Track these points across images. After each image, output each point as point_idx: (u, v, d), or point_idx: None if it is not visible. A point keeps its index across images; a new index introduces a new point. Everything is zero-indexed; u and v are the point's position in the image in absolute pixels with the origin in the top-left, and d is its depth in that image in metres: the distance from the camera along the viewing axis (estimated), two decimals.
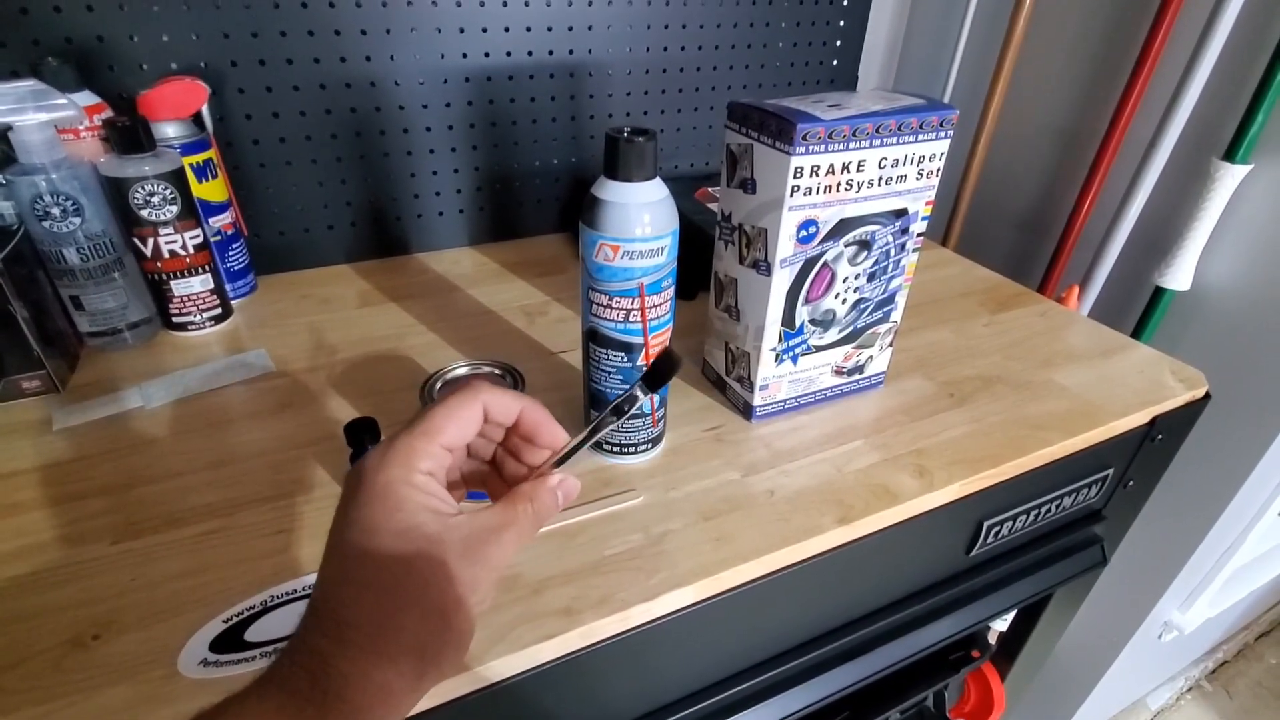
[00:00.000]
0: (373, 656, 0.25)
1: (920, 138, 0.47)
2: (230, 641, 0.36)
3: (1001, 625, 0.82)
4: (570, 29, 0.76)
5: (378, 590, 0.26)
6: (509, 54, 0.74)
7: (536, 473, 0.32)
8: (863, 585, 0.53)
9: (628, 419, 0.35)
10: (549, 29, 0.75)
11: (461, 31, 0.71)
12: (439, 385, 0.46)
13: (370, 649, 0.25)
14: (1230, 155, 0.70)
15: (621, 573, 0.42)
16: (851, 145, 0.45)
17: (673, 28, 0.81)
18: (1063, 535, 0.64)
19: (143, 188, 0.55)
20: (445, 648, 0.27)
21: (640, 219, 0.41)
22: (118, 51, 0.61)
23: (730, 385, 0.57)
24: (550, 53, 0.76)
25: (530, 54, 0.75)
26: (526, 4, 0.72)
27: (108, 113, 0.59)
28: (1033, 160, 0.94)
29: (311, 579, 0.40)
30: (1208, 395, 0.62)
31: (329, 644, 0.25)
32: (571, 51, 0.77)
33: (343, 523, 0.27)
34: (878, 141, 0.45)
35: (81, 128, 0.57)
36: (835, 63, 0.92)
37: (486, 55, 0.73)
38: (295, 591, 0.39)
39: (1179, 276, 0.76)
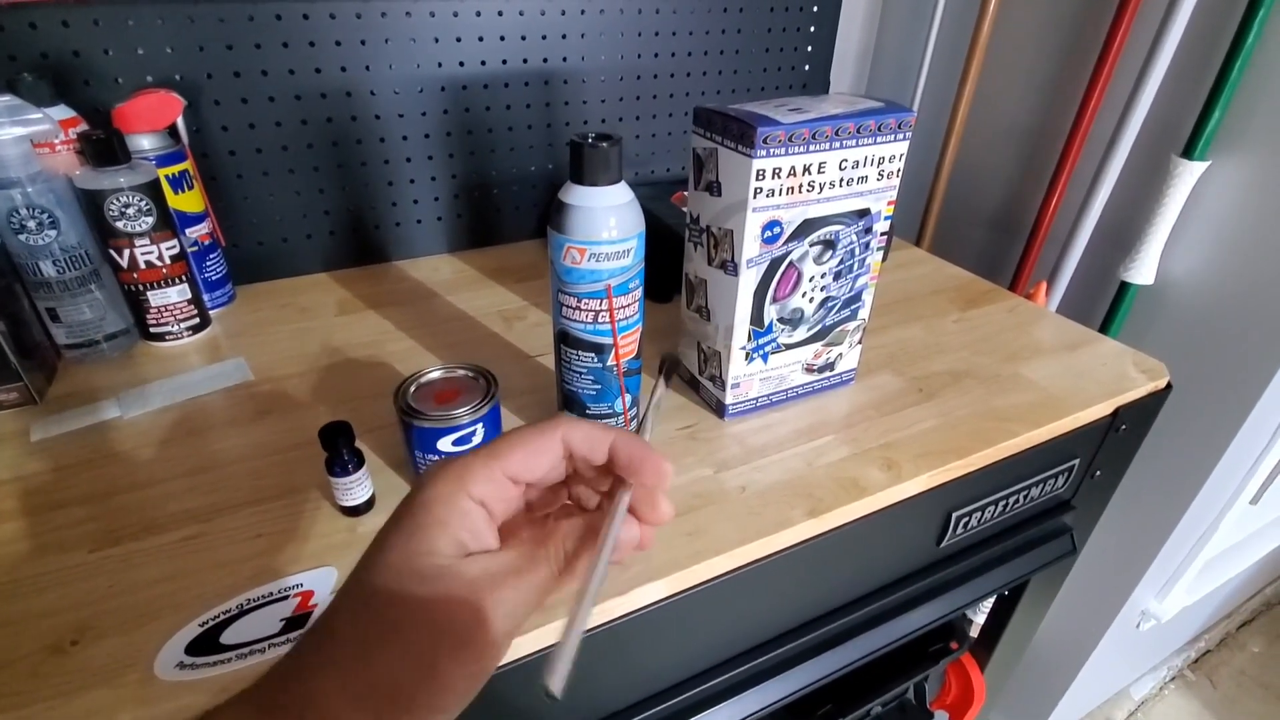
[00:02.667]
0: (345, 682, 0.23)
1: (879, 139, 0.48)
2: (206, 645, 0.37)
3: (980, 617, 0.83)
4: (544, 38, 0.77)
5: (370, 609, 0.23)
6: (484, 63, 0.75)
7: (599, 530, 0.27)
8: (836, 577, 0.54)
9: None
10: (523, 38, 0.76)
11: (436, 41, 0.72)
12: (413, 389, 0.46)
13: (345, 671, 0.23)
14: (1189, 152, 0.72)
15: None
16: (812, 148, 0.46)
17: (646, 36, 0.82)
18: (1032, 526, 0.65)
19: (118, 199, 0.56)
20: (419, 703, 0.23)
21: (606, 222, 0.42)
22: (93, 66, 0.61)
23: (703, 384, 0.58)
24: (525, 61, 0.77)
25: (505, 63, 0.76)
26: (500, 14, 0.74)
27: (83, 126, 0.59)
28: (1000, 160, 0.96)
29: (288, 581, 0.41)
30: (1169, 386, 0.64)
31: (312, 655, 0.24)
32: (546, 60, 0.78)
33: (380, 531, 0.25)
34: (837, 144, 0.47)
35: (57, 141, 0.58)
36: (807, 68, 0.94)
37: (461, 65, 0.74)
38: (271, 595, 0.40)
39: (1143, 271, 0.78)
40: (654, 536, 0.29)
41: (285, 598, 0.40)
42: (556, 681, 0.22)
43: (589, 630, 0.41)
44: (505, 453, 0.26)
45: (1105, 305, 0.84)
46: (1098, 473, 0.66)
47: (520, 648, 0.39)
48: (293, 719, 0.22)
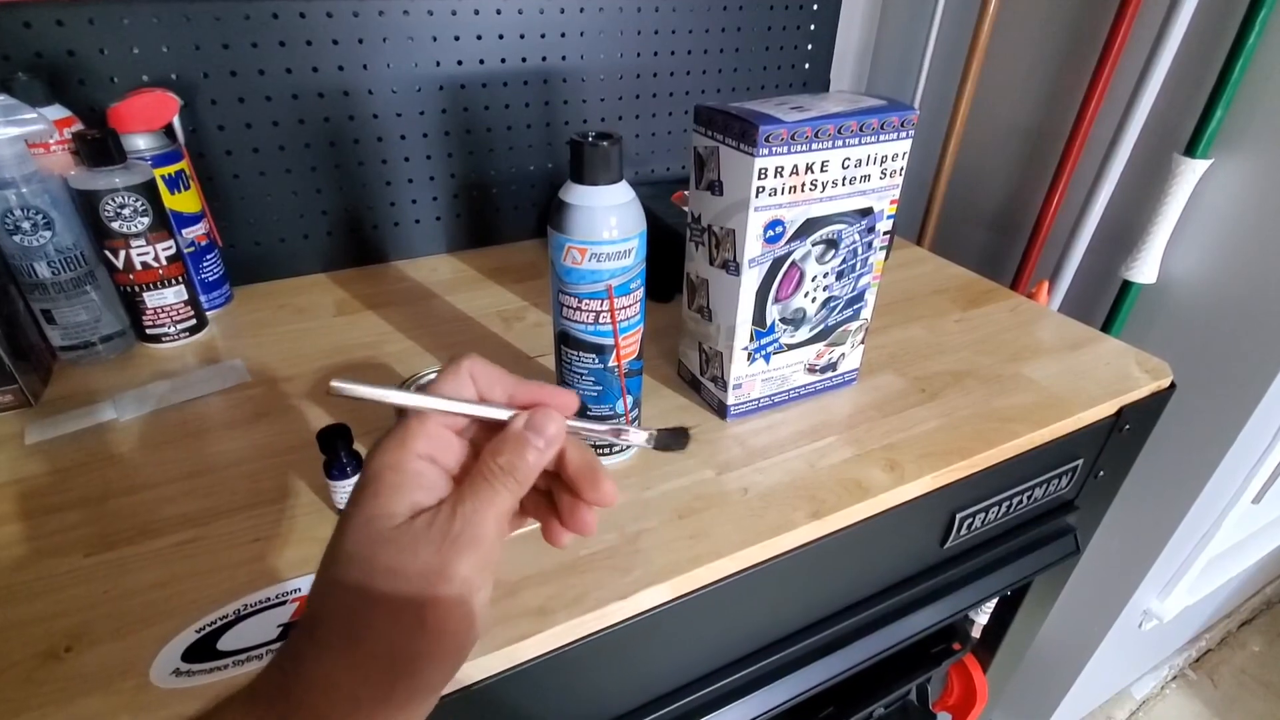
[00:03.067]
0: (342, 659, 0.23)
1: (882, 138, 0.48)
2: (203, 651, 0.36)
3: (982, 617, 0.83)
4: (543, 36, 0.76)
5: (345, 587, 0.24)
6: (482, 61, 0.75)
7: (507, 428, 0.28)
8: (839, 579, 0.54)
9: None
10: (521, 36, 0.75)
11: (434, 40, 0.72)
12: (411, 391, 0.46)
13: (339, 650, 0.23)
14: (1191, 150, 0.72)
15: (597, 572, 0.42)
16: (814, 146, 0.45)
17: (645, 34, 0.82)
18: (1036, 526, 0.65)
19: (113, 200, 0.55)
20: (421, 656, 0.24)
21: (607, 222, 0.41)
22: (88, 65, 0.61)
23: (705, 385, 0.57)
24: (524, 60, 0.77)
25: (504, 61, 0.76)
26: (499, 12, 0.73)
27: (78, 126, 0.59)
28: (1001, 160, 0.96)
29: (287, 586, 0.40)
30: (1173, 385, 0.64)
31: (305, 642, 0.24)
32: (545, 59, 0.78)
33: (342, 514, 0.26)
34: (840, 142, 0.46)
35: (51, 141, 0.57)
36: (807, 66, 0.94)
37: (460, 63, 0.74)
38: (269, 600, 0.39)
39: (1145, 270, 0.78)
40: (595, 521, 0.29)
41: (283, 603, 0.39)
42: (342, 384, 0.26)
43: (588, 636, 0.41)
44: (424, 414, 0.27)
45: (1107, 304, 0.83)
46: (1101, 473, 0.66)
47: (521, 653, 0.39)
48: (297, 705, 0.23)
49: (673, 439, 0.33)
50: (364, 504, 0.25)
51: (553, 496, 0.30)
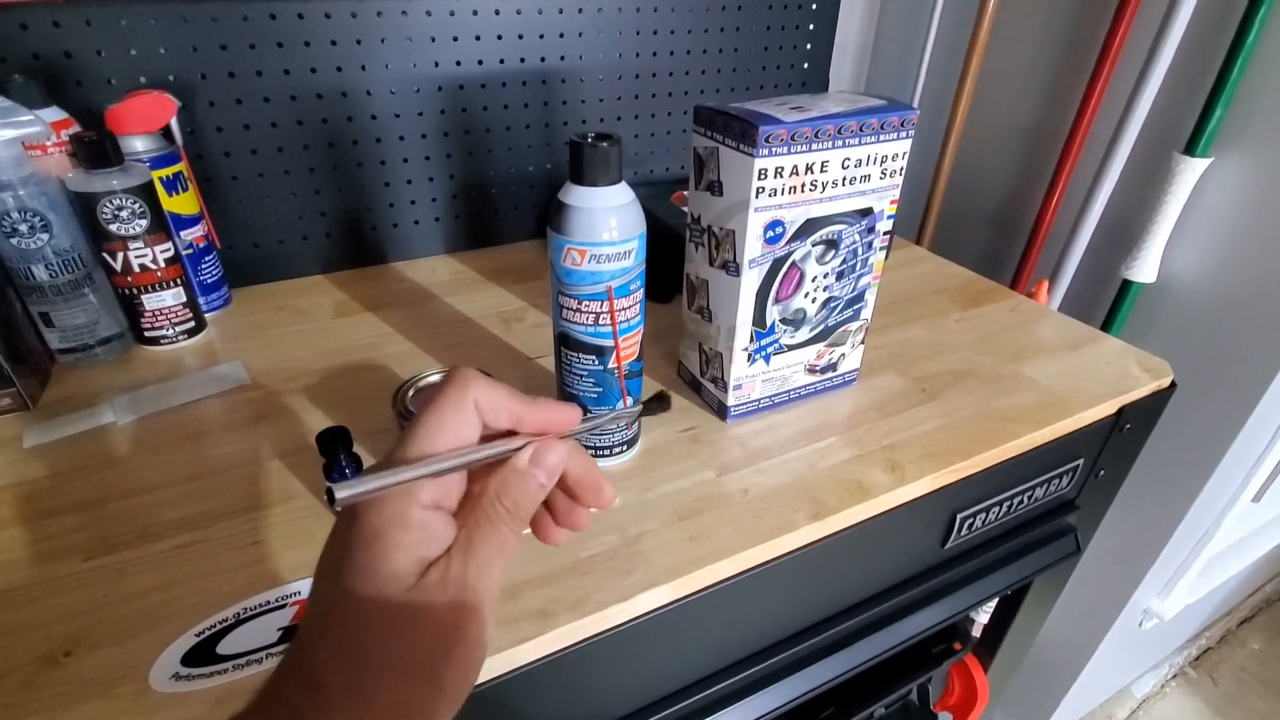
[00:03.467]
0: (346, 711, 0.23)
1: (882, 138, 0.48)
2: (203, 655, 0.36)
3: (983, 617, 0.83)
4: (542, 37, 0.76)
5: (356, 652, 0.23)
6: (480, 62, 0.75)
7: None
8: (840, 580, 0.54)
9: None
10: (520, 37, 0.75)
11: (433, 40, 0.72)
12: (410, 393, 0.46)
13: (348, 715, 0.23)
14: (1190, 149, 0.72)
15: (598, 574, 0.42)
16: (814, 146, 0.45)
17: (644, 34, 0.81)
18: (1036, 526, 0.65)
19: (111, 202, 0.55)
20: (435, 711, 0.24)
21: (606, 223, 0.41)
22: (85, 67, 0.61)
23: (705, 386, 0.57)
24: (522, 60, 0.77)
25: (502, 61, 0.76)
26: (497, 12, 0.73)
27: (75, 128, 0.59)
28: (1001, 159, 0.96)
29: (287, 589, 0.40)
30: (1173, 384, 0.64)
31: (305, 702, 0.23)
32: (544, 59, 0.78)
33: (328, 567, 0.24)
34: (840, 142, 0.46)
35: (49, 143, 0.57)
36: (806, 66, 0.94)
37: (458, 64, 0.74)
38: (269, 603, 0.39)
39: (1145, 269, 0.78)
40: (589, 518, 0.30)
41: (283, 606, 0.39)
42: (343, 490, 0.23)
43: (589, 639, 0.41)
44: (433, 440, 0.25)
45: (1107, 303, 0.83)
46: (1102, 472, 0.66)
47: (522, 655, 0.39)
48: None
49: (657, 404, 0.35)
50: (371, 566, 0.23)
51: (548, 500, 0.29)
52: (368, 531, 0.24)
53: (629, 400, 0.49)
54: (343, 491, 0.23)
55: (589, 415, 0.30)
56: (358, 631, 0.23)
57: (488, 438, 0.27)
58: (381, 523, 0.24)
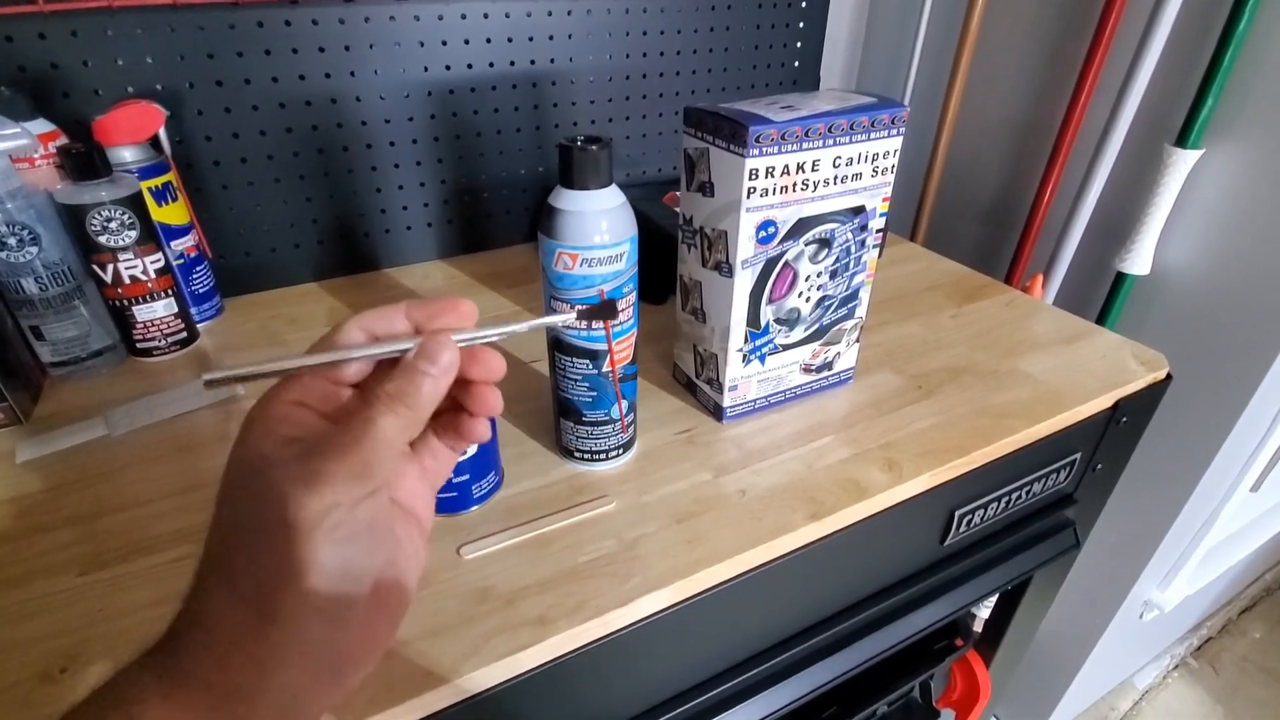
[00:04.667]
0: (219, 592, 0.23)
1: (873, 136, 0.48)
2: None
3: (984, 612, 0.83)
4: (531, 39, 0.76)
5: (219, 521, 0.24)
6: (470, 66, 0.74)
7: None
8: (839, 579, 0.54)
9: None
10: (509, 40, 0.75)
11: (421, 45, 0.71)
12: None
13: (217, 583, 0.23)
14: (1182, 141, 0.72)
15: (596, 579, 0.42)
16: (805, 145, 0.45)
17: (634, 35, 0.81)
18: (1035, 521, 0.65)
19: (100, 213, 0.55)
20: (285, 582, 0.22)
21: (598, 226, 0.41)
22: (72, 78, 0.60)
23: (700, 387, 0.57)
24: (512, 64, 0.76)
25: (492, 65, 0.75)
26: (486, 16, 0.73)
27: (63, 140, 0.58)
28: (993, 153, 0.96)
29: None
30: (1169, 376, 0.64)
31: (194, 582, 0.24)
32: (533, 62, 0.77)
33: (230, 485, 0.25)
34: (830, 141, 0.46)
35: (36, 156, 0.56)
36: (797, 64, 0.93)
37: (448, 68, 0.73)
38: None
39: (1139, 261, 0.78)
40: (499, 400, 0.29)
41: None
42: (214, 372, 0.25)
43: (589, 644, 0.40)
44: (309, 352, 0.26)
45: (1102, 296, 0.83)
46: (1099, 466, 0.66)
47: (522, 663, 0.38)
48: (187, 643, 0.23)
49: (600, 310, 0.34)
50: (234, 450, 0.24)
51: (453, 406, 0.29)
52: (245, 422, 0.25)
53: (624, 404, 0.48)
54: (211, 374, 0.24)
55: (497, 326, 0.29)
56: (221, 505, 0.24)
57: None
58: (247, 422, 0.25)
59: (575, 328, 0.33)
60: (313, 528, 0.22)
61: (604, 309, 0.34)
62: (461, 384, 0.28)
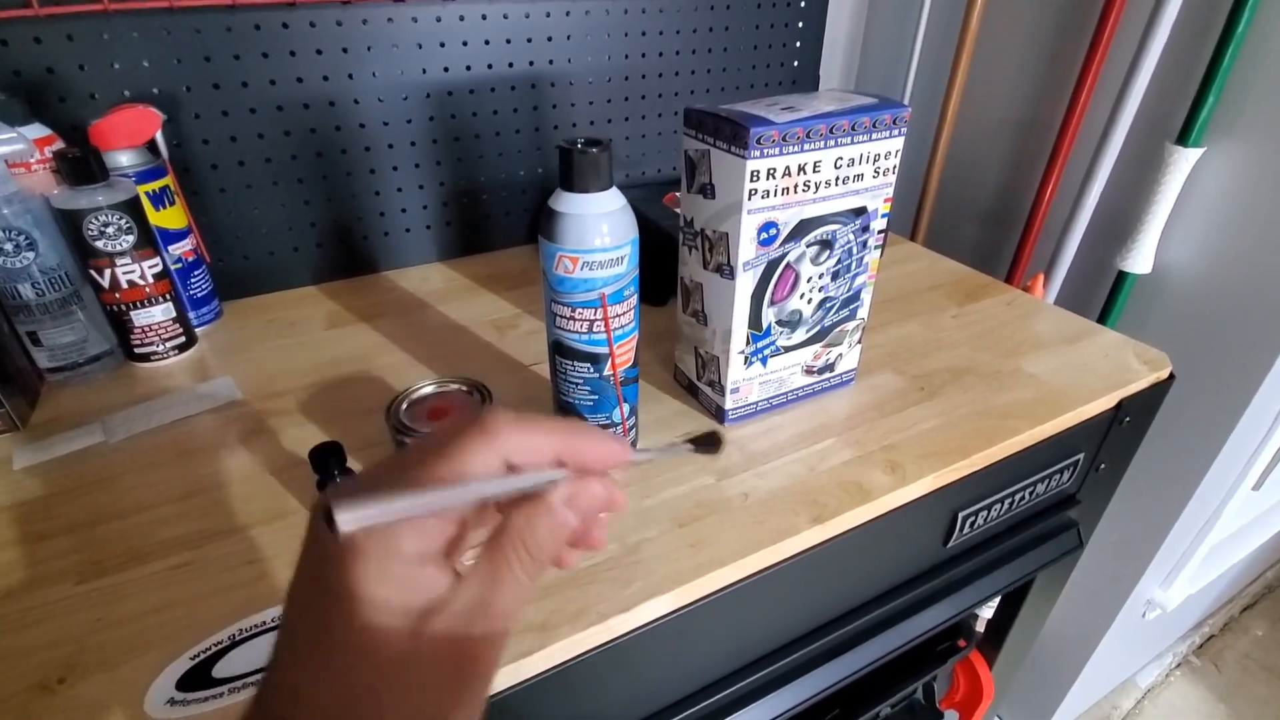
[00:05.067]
0: None
1: (874, 136, 0.47)
2: (198, 678, 0.36)
3: (987, 612, 0.83)
4: (529, 41, 0.76)
5: (335, 700, 0.21)
6: (469, 68, 0.74)
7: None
8: (842, 582, 0.54)
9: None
10: (508, 41, 0.75)
11: (420, 47, 0.71)
12: (405, 405, 0.45)
13: None
14: (1183, 139, 0.71)
15: (598, 584, 0.42)
16: (806, 147, 0.45)
17: (633, 35, 0.81)
18: (1038, 521, 0.65)
19: (97, 218, 0.55)
20: None
21: (598, 229, 0.41)
22: (68, 82, 0.60)
23: (702, 390, 0.57)
24: (510, 65, 0.76)
25: (490, 67, 0.75)
26: (484, 17, 0.72)
27: (59, 144, 0.58)
28: (993, 152, 0.95)
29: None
30: (1172, 376, 0.63)
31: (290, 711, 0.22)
32: (532, 63, 0.77)
33: (301, 603, 0.22)
34: (832, 142, 0.46)
35: (32, 161, 0.56)
36: (796, 64, 0.93)
37: (446, 70, 0.73)
38: (264, 623, 0.39)
39: (1140, 260, 0.77)
40: (605, 536, 0.27)
41: (279, 626, 0.38)
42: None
43: (591, 650, 0.40)
44: (450, 472, 0.22)
45: (1103, 296, 0.83)
46: (1102, 466, 0.66)
47: (524, 669, 0.38)
48: None
49: (708, 445, 0.33)
50: (352, 621, 0.21)
51: None
52: (347, 584, 0.21)
53: (625, 407, 0.48)
54: (346, 515, 0.19)
55: (637, 450, 0.28)
56: (339, 681, 0.21)
57: None
58: (363, 579, 0.21)
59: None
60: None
61: (709, 440, 0.33)
62: None
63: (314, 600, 0.22)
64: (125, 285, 0.58)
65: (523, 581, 0.23)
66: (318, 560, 0.22)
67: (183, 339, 0.63)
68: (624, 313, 0.44)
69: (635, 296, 0.45)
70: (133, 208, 0.56)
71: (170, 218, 0.63)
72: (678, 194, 0.84)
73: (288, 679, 0.22)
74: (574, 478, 0.24)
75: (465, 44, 0.73)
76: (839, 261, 0.52)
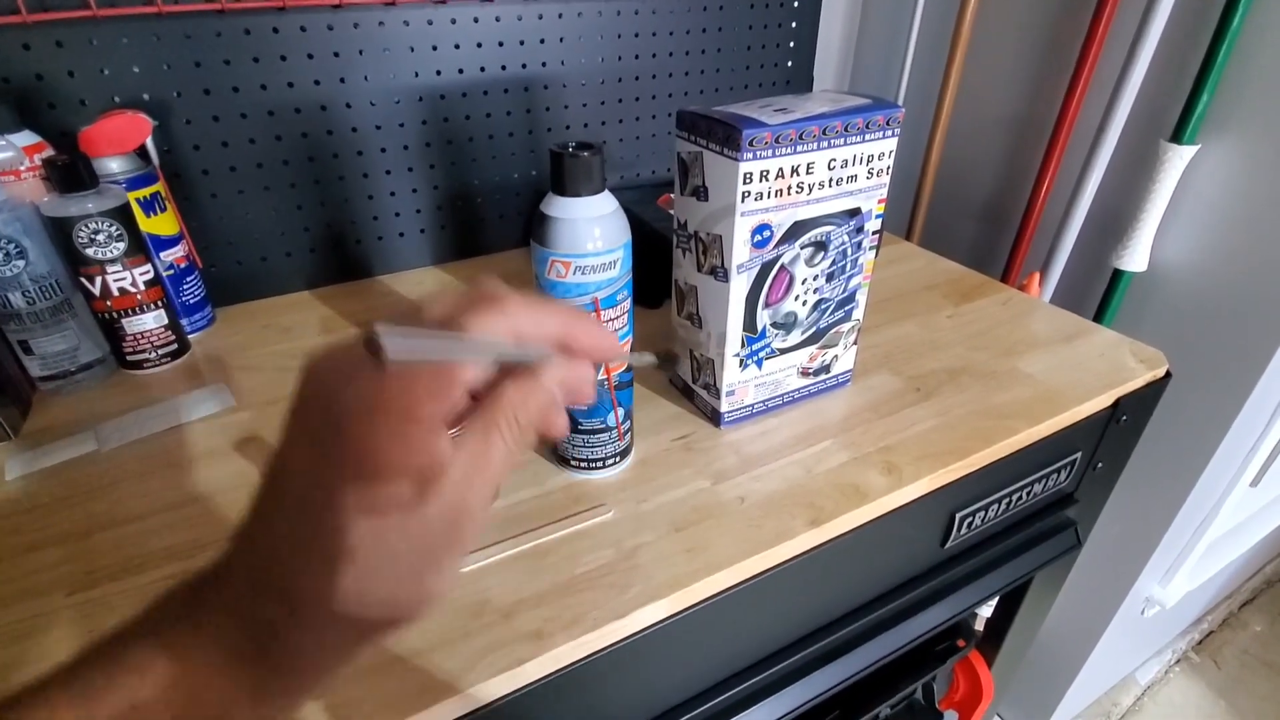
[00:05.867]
0: (330, 630, 0.22)
1: (868, 137, 0.47)
2: None
3: (986, 611, 0.83)
4: (522, 43, 0.75)
5: (343, 565, 0.21)
6: (461, 71, 0.74)
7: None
8: (841, 585, 0.53)
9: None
10: (500, 44, 0.74)
11: (412, 50, 0.71)
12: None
13: (328, 623, 0.22)
14: (1177, 137, 0.71)
15: (594, 590, 0.42)
16: (799, 148, 0.45)
17: (626, 37, 0.81)
18: (1036, 521, 0.64)
19: (87, 226, 0.54)
20: (416, 611, 0.22)
21: (590, 234, 0.41)
22: (57, 88, 0.60)
23: (697, 393, 0.56)
24: (503, 68, 0.76)
25: (483, 69, 0.75)
26: (476, 20, 0.72)
27: (49, 151, 0.58)
28: (988, 151, 0.95)
29: None
30: (1168, 374, 0.63)
31: (283, 614, 0.22)
32: (525, 66, 0.77)
33: (299, 471, 0.22)
34: (825, 143, 0.46)
35: (22, 168, 0.56)
36: (790, 64, 0.93)
37: (438, 73, 0.73)
38: None
39: (1135, 258, 0.77)
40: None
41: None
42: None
43: (587, 657, 0.40)
44: (458, 370, 0.21)
45: (1099, 294, 0.83)
46: (1099, 465, 0.66)
47: (521, 677, 0.38)
48: (285, 668, 0.22)
49: (668, 361, 0.33)
50: (360, 483, 0.21)
51: None
52: (362, 445, 0.20)
53: (620, 411, 0.48)
54: (394, 342, 0.18)
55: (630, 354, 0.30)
56: (343, 536, 0.21)
57: None
58: (382, 438, 0.20)
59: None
60: (429, 581, 0.22)
61: (669, 358, 0.34)
62: None
63: (311, 465, 0.22)
64: (116, 293, 0.58)
65: (511, 451, 0.23)
66: (322, 424, 0.21)
67: (175, 346, 0.63)
68: (618, 317, 0.44)
69: (629, 300, 0.45)
70: (123, 214, 0.56)
71: (161, 224, 0.62)
72: (671, 195, 0.83)
73: (256, 538, 0.23)
74: (565, 360, 0.24)
75: (457, 47, 0.72)
76: (833, 263, 0.52)
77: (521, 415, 0.23)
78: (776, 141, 0.44)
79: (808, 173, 0.46)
